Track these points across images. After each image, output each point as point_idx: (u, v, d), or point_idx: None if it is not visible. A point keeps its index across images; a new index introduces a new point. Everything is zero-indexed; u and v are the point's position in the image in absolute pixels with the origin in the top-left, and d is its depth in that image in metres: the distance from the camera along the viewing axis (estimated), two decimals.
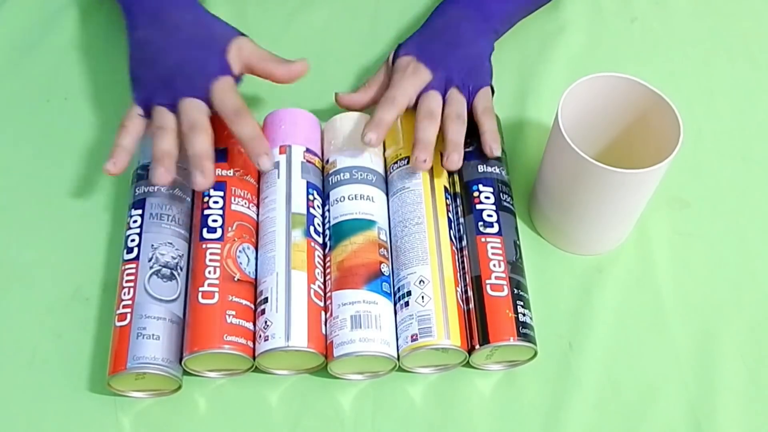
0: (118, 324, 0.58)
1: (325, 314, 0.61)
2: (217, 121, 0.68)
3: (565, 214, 0.65)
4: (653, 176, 0.60)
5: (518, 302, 0.60)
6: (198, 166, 0.61)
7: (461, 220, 0.65)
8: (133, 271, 0.60)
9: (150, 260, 0.61)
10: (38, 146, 0.74)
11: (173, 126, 0.63)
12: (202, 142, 0.62)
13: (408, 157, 0.66)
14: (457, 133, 0.65)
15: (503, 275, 0.61)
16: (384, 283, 0.61)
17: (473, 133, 0.67)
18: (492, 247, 0.62)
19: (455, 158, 0.63)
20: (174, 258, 0.61)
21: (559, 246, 0.68)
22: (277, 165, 0.65)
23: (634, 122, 0.65)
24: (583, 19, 0.84)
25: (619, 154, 0.66)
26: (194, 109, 0.63)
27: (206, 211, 0.63)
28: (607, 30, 0.83)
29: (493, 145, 0.65)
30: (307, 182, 0.65)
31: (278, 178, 0.65)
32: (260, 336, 0.59)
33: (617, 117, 0.66)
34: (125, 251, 0.62)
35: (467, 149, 0.67)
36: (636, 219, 0.67)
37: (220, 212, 0.63)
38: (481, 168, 0.66)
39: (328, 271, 0.62)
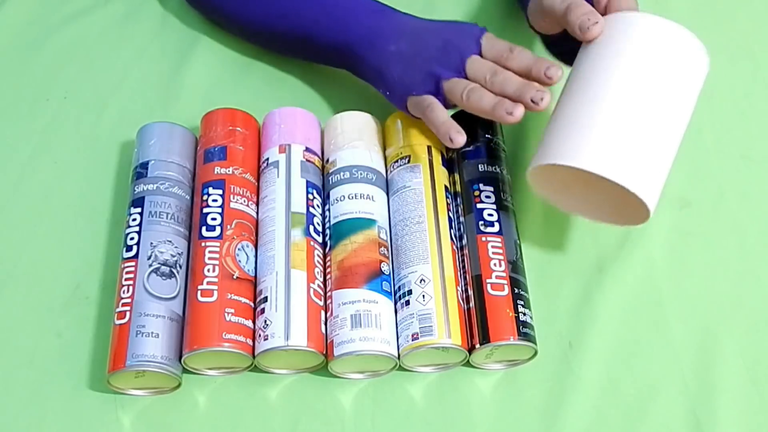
0: (118, 322, 0.59)
1: (325, 313, 0.61)
2: (217, 120, 0.68)
3: None
4: None
5: (518, 301, 0.60)
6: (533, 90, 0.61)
7: (461, 219, 0.65)
8: (132, 269, 0.60)
9: (149, 258, 0.61)
10: (38, 146, 0.74)
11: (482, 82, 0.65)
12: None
13: (408, 156, 0.66)
14: None
15: (504, 274, 0.61)
16: (384, 282, 0.61)
17: (473, 133, 0.67)
18: (492, 247, 0.62)
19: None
20: (173, 256, 0.61)
21: None
22: (276, 164, 0.65)
23: None
24: None
25: None
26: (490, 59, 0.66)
27: (205, 210, 0.63)
28: None
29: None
30: (307, 181, 0.65)
31: (277, 177, 0.65)
32: (260, 335, 0.59)
33: None
34: (124, 249, 0.62)
35: (468, 149, 0.67)
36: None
37: (219, 210, 0.63)
38: (481, 167, 0.66)
39: (328, 270, 0.62)
